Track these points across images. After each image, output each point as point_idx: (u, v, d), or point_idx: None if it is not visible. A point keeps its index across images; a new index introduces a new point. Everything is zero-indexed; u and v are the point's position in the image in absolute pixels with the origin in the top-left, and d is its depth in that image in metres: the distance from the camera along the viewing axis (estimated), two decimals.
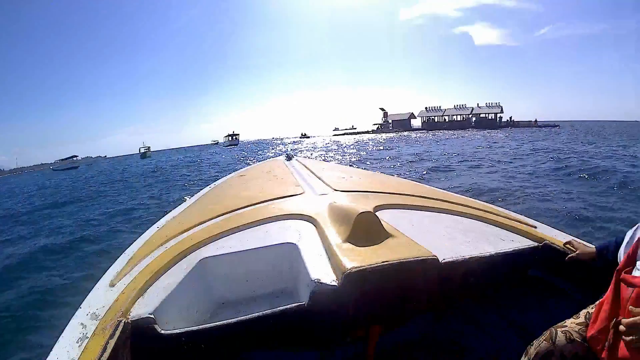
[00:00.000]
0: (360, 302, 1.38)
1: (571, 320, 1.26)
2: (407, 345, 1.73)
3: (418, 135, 60.93)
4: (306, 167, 3.62)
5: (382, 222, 1.66)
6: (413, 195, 2.42)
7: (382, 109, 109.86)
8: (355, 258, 1.39)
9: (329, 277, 1.37)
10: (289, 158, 4.50)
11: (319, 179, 2.91)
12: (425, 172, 13.32)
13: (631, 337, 0.99)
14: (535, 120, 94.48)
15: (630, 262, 1.17)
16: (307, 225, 1.87)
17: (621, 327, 1.02)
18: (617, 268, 1.17)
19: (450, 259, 1.51)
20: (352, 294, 1.34)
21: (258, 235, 1.82)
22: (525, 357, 1.21)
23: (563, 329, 1.21)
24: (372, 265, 1.34)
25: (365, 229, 1.56)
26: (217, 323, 1.28)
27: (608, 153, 16.95)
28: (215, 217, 2.11)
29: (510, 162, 15.40)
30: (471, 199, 2.71)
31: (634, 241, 1.21)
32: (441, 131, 76.86)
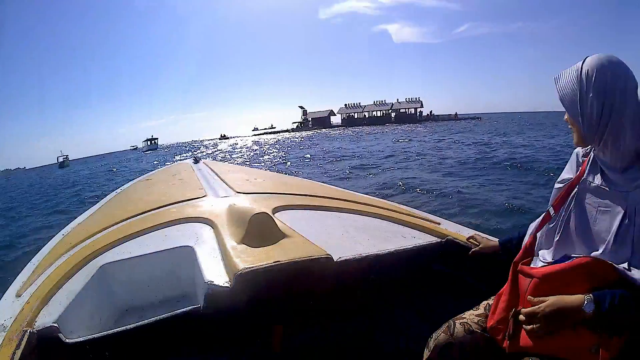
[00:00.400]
0: (255, 302, 1.38)
1: (470, 312, 1.30)
2: (316, 344, 1.69)
3: (337, 132, 62.44)
4: (212, 170, 3.61)
5: (279, 223, 1.68)
6: (316, 196, 2.44)
7: (302, 107, 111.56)
8: (247, 259, 1.39)
9: (222, 279, 1.38)
10: (196, 161, 4.46)
11: (223, 181, 2.90)
12: (345, 171, 13.11)
13: (531, 326, 1.03)
14: (456, 114, 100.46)
15: (528, 254, 1.23)
16: (206, 228, 1.86)
17: (521, 317, 1.06)
18: (514, 260, 1.23)
19: (346, 258, 1.52)
20: (245, 295, 1.33)
21: (157, 240, 1.80)
22: (426, 349, 1.24)
23: (462, 320, 1.25)
24: (264, 266, 1.35)
25: (259, 230, 1.57)
26: (115, 330, 1.28)
27: (525, 142, 18.10)
28: (118, 223, 2.08)
29: (423, 157, 15.91)
30: (375, 198, 2.77)
31: (530, 234, 1.27)
32: (361, 127, 78.75)
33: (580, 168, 1.21)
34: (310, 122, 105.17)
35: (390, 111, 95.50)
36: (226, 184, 2.79)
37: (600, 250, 1.08)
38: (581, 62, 1.06)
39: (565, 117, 1.13)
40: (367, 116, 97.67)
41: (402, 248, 1.68)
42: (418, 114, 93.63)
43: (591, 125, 1.05)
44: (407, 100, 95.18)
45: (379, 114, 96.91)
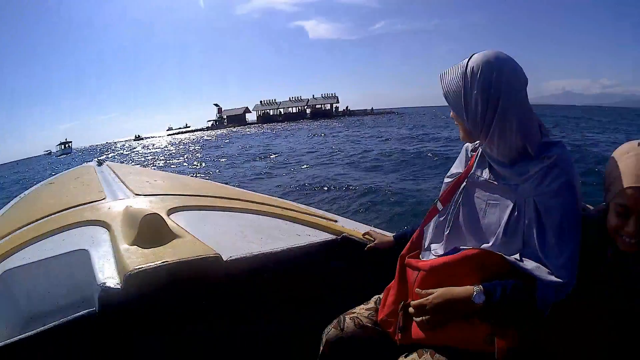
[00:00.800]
0: (147, 302, 1.36)
1: (361, 306, 1.32)
2: (210, 344, 1.66)
3: (252, 130, 61.92)
4: (114, 172, 3.45)
5: (171, 224, 1.68)
6: (214, 197, 2.44)
7: (217, 105, 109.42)
8: (137, 260, 1.39)
9: (114, 281, 1.36)
10: (99, 164, 4.22)
11: (124, 184, 2.79)
12: (261, 171, 13.05)
13: (421, 318, 1.04)
14: (372, 109, 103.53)
15: (414, 247, 1.25)
16: (102, 231, 1.83)
17: (411, 310, 1.08)
18: (401, 254, 1.25)
19: (236, 257, 1.54)
20: (136, 295, 1.32)
21: (55, 244, 1.77)
22: (321, 345, 1.28)
23: (352, 315, 1.27)
24: (152, 266, 1.34)
25: (151, 231, 1.56)
26: (11, 340, 1.24)
27: (437, 135, 19.16)
28: (18, 229, 2.03)
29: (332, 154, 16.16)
30: (274, 197, 2.83)
31: (417, 228, 1.29)
32: (276, 124, 78.47)
33: (469, 162, 1.23)
34: (226, 120, 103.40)
35: (305, 107, 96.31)
36: (126, 186, 2.72)
37: (491, 243, 1.10)
38: (467, 60, 1.06)
39: (451, 113, 1.14)
40: (282, 113, 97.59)
41: (295, 246, 1.70)
42: (334, 109, 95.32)
43: (475, 121, 1.06)
44: (323, 96, 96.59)
45: (295, 110, 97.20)
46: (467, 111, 1.06)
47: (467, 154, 1.26)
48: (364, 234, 1.72)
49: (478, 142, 1.14)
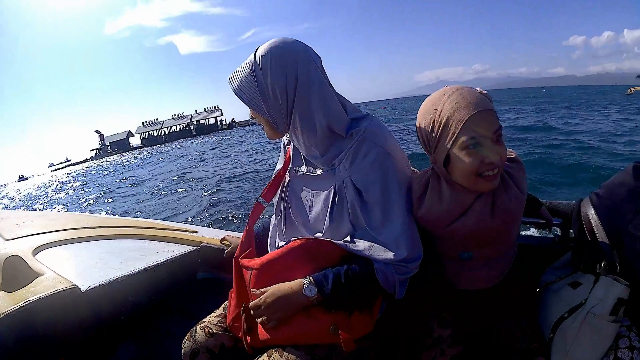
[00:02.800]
0: (26, 343, 1.37)
1: (212, 314, 1.29)
2: None
3: (134, 155, 56.01)
4: None
5: (35, 263, 1.68)
6: (78, 228, 2.30)
7: (98, 132, 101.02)
8: (2, 306, 1.38)
9: None
10: None
11: None
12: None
13: (261, 319, 1.02)
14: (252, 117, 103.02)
15: (245, 247, 1.22)
16: None
17: (252, 311, 1.05)
18: (235, 255, 1.21)
19: (95, 285, 1.52)
20: (12, 340, 1.34)
21: None
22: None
23: (202, 325, 1.22)
24: (15, 309, 1.35)
25: (14, 273, 1.54)
26: None
27: None
28: None
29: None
30: (136, 219, 2.71)
31: (248, 227, 1.26)
32: (162, 145, 73.62)
33: (286, 157, 1.23)
34: (109, 147, 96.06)
35: (189, 124, 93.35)
36: None
37: (323, 231, 1.10)
38: (253, 53, 1.02)
39: (250, 114, 1.09)
40: (166, 132, 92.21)
41: (154, 264, 1.70)
42: (219, 122, 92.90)
43: (278, 110, 1.03)
44: (207, 110, 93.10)
45: (179, 128, 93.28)
46: (266, 103, 1.02)
47: (284, 149, 1.26)
48: (221, 240, 1.64)
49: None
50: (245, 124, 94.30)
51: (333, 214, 1.08)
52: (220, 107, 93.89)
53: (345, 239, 1.07)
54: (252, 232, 1.27)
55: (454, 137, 0.96)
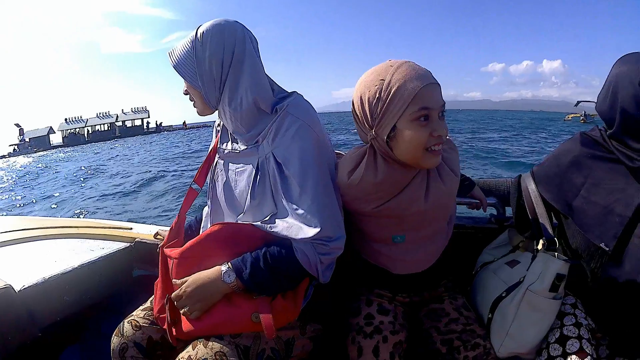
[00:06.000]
0: None
1: (139, 307, 1.23)
2: None
3: (57, 154, 50.95)
4: None
5: None
6: (15, 231, 2.20)
7: (18, 125, 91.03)
8: None
9: None
10: None
11: None
12: None
13: (183, 309, 1.00)
14: (184, 123, 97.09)
15: (174, 236, 1.18)
16: None
17: (175, 302, 1.02)
18: (161, 245, 1.17)
19: (29, 285, 1.49)
20: None
21: None
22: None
23: (130, 318, 1.17)
24: None
25: None
26: None
27: None
28: None
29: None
30: (69, 218, 2.67)
31: (176, 217, 1.22)
32: (83, 146, 69.23)
33: (215, 138, 1.22)
34: (29, 143, 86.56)
35: (114, 124, 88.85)
36: None
37: (244, 210, 1.08)
38: (195, 30, 1.05)
39: (184, 87, 1.10)
40: (90, 131, 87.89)
41: (87, 262, 1.66)
42: (145, 124, 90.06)
43: (212, 83, 1.05)
44: (133, 110, 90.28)
45: (104, 128, 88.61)
46: (201, 77, 1.05)
47: (215, 130, 1.26)
48: (155, 235, 1.64)
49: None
50: (177, 128, 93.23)
51: (255, 191, 1.05)
52: (147, 109, 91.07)
53: (264, 220, 1.04)
54: (182, 220, 1.22)
55: (404, 108, 0.92)
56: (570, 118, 68.91)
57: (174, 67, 1.07)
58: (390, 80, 0.93)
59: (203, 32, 1.03)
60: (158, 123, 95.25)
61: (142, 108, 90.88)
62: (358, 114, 1.01)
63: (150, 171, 16.57)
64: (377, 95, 0.94)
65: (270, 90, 1.08)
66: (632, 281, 1.02)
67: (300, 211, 0.98)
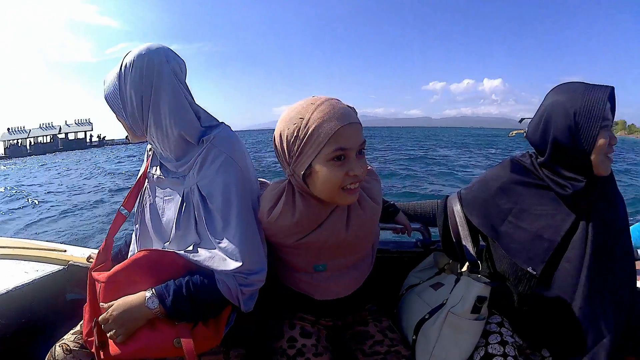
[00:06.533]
0: None
1: (70, 331, 1.21)
2: None
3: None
4: None
5: None
6: None
7: None
8: None
9: None
10: None
11: None
12: None
13: (110, 332, 0.99)
14: (127, 138, 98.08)
15: (102, 259, 1.16)
16: None
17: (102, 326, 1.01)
18: (90, 267, 1.14)
19: None
20: None
21: None
22: None
23: (61, 342, 1.15)
24: None
25: None
26: None
27: None
28: None
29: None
30: (6, 238, 2.51)
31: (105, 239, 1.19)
32: (24, 159, 63.28)
33: (146, 163, 1.21)
34: None
35: (57, 135, 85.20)
36: None
37: (170, 239, 1.09)
38: (122, 59, 1.02)
39: (116, 116, 1.09)
40: (32, 143, 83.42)
41: (21, 284, 1.62)
42: (88, 137, 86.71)
43: (134, 117, 1.04)
44: (77, 122, 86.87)
45: (46, 140, 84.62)
46: (125, 109, 1.04)
47: (146, 155, 1.23)
48: (87, 258, 1.58)
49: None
50: (121, 142, 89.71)
51: (180, 222, 1.06)
52: (91, 121, 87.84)
53: (188, 249, 1.05)
54: (110, 244, 1.20)
55: (320, 148, 0.92)
56: (514, 134, 73.18)
57: (104, 97, 1.06)
58: (308, 119, 0.92)
59: (125, 63, 1.01)
60: (101, 137, 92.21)
61: (86, 120, 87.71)
62: (278, 149, 1.01)
63: (86, 190, 16.17)
64: (295, 134, 0.94)
65: (195, 121, 1.06)
66: (562, 304, 1.06)
67: (223, 244, 0.99)
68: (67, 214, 10.88)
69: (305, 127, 0.92)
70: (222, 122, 1.11)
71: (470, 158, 25.40)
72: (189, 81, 1.10)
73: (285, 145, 0.97)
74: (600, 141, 1.02)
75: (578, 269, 1.05)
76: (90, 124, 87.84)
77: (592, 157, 1.03)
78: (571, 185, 1.06)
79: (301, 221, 1.04)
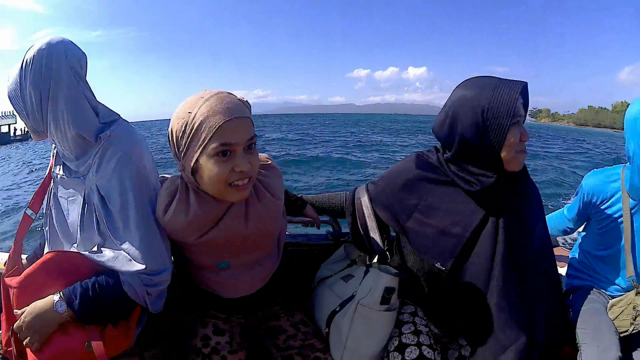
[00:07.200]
0: None
1: None
2: None
3: None
4: None
5: None
6: None
7: None
8: None
9: None
10: None
11: None
12: None
13: (25, 340, 0.96)
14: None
15: (13, 264, 1.12)
16: None
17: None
18: (2, 273, 1.09)
19: None
20: None
21: None
22: None
23: None
24: None
25: None
26: None
27: None
28: None
29: None
30: None
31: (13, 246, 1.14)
32: None
33: (51, 163, 1.16)
34: None
35: None
36: None
37: (77, 242, 1.05)
38: (26, 51, 0.98)
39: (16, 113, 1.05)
40: None
41: None
42: (12, 131, 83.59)
43: (35, 116, 1.00)
44: (2, 114, 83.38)
45: None
46: (25, 108, 1.00)
47: (52, 154, 1.17)
48: (4, 264, 1.39)
49: None
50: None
51: (84, 223, 1.03)
52: (15, 113, 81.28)
53: (93, 249, 1.02)
54: (19, 248, 1.15)
55: (204, 144, 0.91)
56: None
57: (7, 95, 1.02)
58: (195, 114, 0.91)
59: (26, 59, 0.96)
60: (24, 130, 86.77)
61: (9, 113, 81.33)
62: (170, 144, 0.99)
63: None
64: (182, 129, 0.92)
65: (93, 118, 1.02)
66: (476, 298, 1.06)
67: (125, 246, 0.98)
68: None
69: (192, 122, 0.90)
70: (120, 117, 1.07)
71: (405, 143, 26.20)
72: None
73: (174, 140, 0.96)
74: (511, 138, 0.99)
75: (489, 263, 1.05)
76: (14, 116, 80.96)
77: (503, 154, 1.01)
78: (479, 182, 1.04)
79: (196, 220, 1.01)
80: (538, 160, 19.43)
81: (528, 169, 1.13)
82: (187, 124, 0.91)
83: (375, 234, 1.21)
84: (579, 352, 1.21)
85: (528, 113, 1.09)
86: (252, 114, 0.99)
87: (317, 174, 13.35)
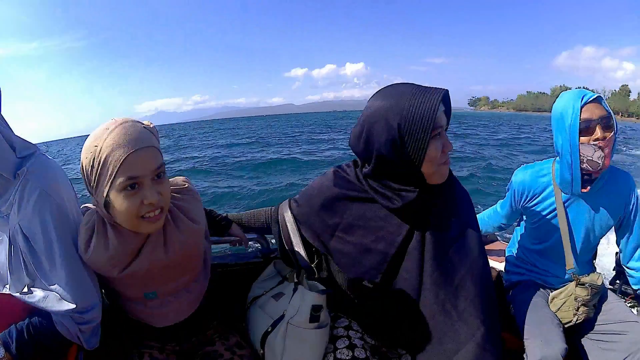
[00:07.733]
0: None
1: None
2: None
3: None
4: None
5: None
6: None
7: None
8: None
9: None
10: None
11: None
12: None
13: None
14: None
15: None
16: None
17: None
18: None
19: None
20: None
21: None
22: None
23: None
24: None
25: None
26: None
27: None
28: None
29: None
30: None
31: None
32: None
33: None
34: None
35: None
36: None
37: (9, 284, 1.01)
38: None
39: None
40: None
41: None
42: None
43: None
44: None
45: None
46: None
47: None
48: None
49: None
50: None
51: (12, 265, 0.99)
52: None
53: (24, 291, 1.00)
54: None
55: (112, 179, 0.88)
56: None
57: None
58: (101, 148, 0.88)
59: None
60: None
61: None
62: (82, 178, 0.95)
63: None
64: (91, 164, 0.90)
65: (9, 154, 0.96)
66: (409, 312, 1.02)
67: (53, 286, 0.96)
68: None
69: (98, 156, 0.88)
70: (37, 149, 1.03)
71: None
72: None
73: (85, 175, 0.93)
74: (432, 153, 0.93)
75: (418, 277, 1.01)
76: None
77: (424, 169, 0.95)
78: (400, 197, 0.98)
79: (116, 254, 0.99)
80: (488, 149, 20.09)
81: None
82: (94, 158, 0.89)
83: (300, 249, 1.19)
84: (524, 347, 1.23)
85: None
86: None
87: (284, 176, 13.34)
